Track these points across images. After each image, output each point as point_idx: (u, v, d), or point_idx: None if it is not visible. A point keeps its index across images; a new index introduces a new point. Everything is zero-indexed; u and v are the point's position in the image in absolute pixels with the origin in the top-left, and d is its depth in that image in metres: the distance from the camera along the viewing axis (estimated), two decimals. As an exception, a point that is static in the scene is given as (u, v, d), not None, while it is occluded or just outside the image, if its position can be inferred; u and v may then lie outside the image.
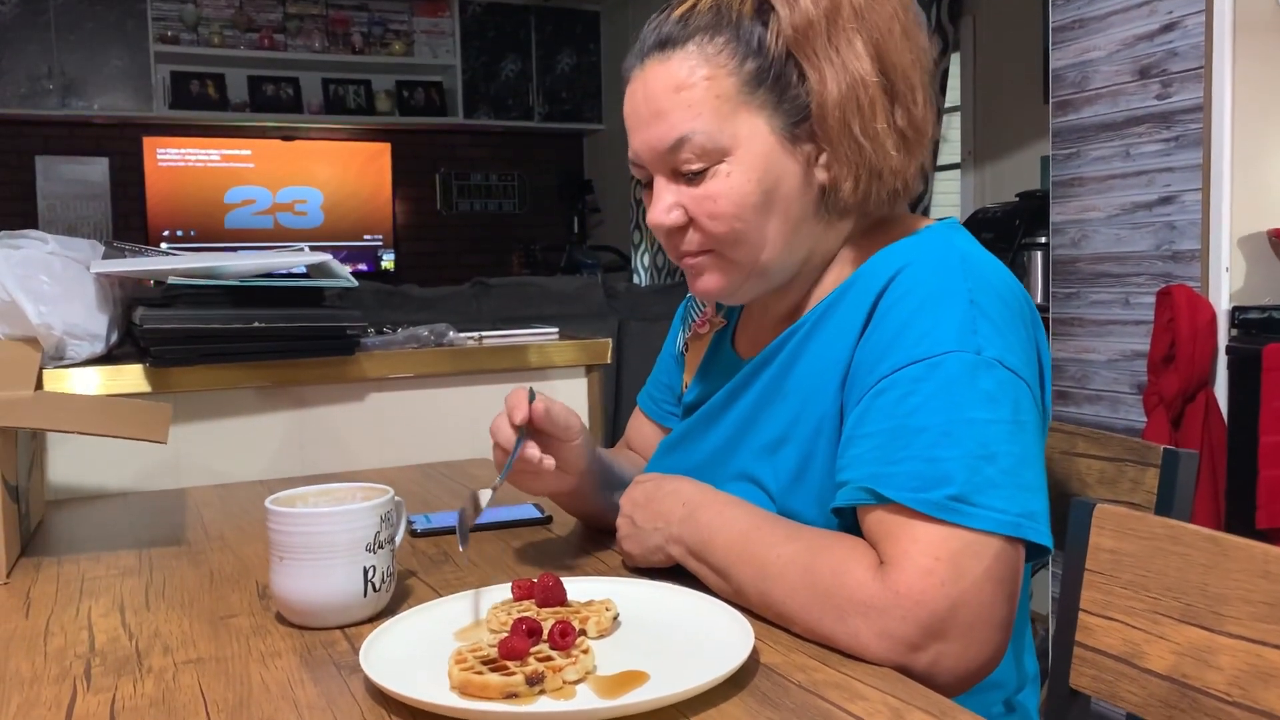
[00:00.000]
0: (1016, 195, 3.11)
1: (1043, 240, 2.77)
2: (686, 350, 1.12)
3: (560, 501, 1.10)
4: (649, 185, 0.92)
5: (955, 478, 0.75)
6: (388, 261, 6.00)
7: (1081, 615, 0.79)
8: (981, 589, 0.74)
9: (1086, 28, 2.29)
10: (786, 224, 0.88)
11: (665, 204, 0.89)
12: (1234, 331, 2.03)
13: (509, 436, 0.95)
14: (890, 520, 0.76)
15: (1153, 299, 2.13)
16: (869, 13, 0.86)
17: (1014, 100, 3.72)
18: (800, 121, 0.86)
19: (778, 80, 0.86)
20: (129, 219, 5.47)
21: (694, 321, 1.11)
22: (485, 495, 0.93)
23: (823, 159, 0.88)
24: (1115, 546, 0.77)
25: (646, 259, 5.81)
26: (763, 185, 0.86)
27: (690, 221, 0.89)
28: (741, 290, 0.93)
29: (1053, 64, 2.38)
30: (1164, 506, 0.95)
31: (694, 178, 0.87)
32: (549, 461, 0.95)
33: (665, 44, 0.87)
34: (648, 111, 0.88)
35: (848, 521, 0.83)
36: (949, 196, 4.10)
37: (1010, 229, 2.90)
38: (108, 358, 1.48)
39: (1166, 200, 2.13)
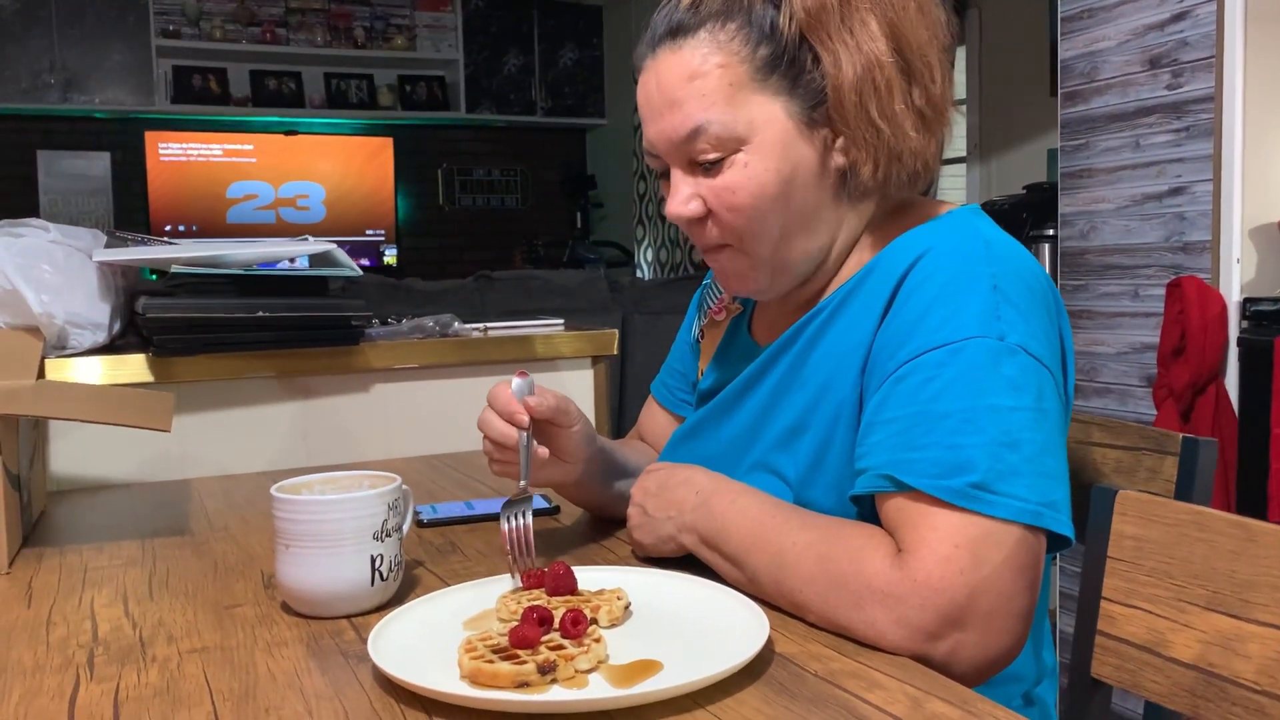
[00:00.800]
0: (1024, 188, 3.09)
1: (1050, 233, 2.76)
2: (703, 337, 1.10)
3: (565, 493, 1.08)
4: (665, 175, 0.90)
5: (977, 465, 0.73)
6: (390, 257, 5.99)
7: (1104, 604, 0.78)
8: (1001, 577, 0.73)
9: (1096, 17, 2.27)
10: (806, 211, 0.87)
11: (683, 195, 0.88)
12: (1245, 323, 2.01)
13: (501, 431, 0.93)
14: (910, 508, 0.75)
15: (1163, 291, 2.11)
16: None
17: (1020, 93, 3.70)
18: (816, 106, 0.85)
19: (792, 64, 0.84)
20: (131, 214, 5.45)
21: (710, 308, 1.10)
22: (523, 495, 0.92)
23: (840, 143, 0.86)
24: (1138, 533, 0.76)
25: (650, 254, 5.79)
26: (781, 174, 0.85)
27: (709, 212, 0.88)
28: (773, 286, 0.91)
29: (1061, 54, 2.36)
30: (1183, 495, 0.93)
31: (711, 167, 0.86)
32: (542, 450, 0.93)
33: (677, 32, 0.86)
34: (661, 101, 0.86)
35: (866, 510, 0.81)
36: (955, 193, 4.08)
37: (1017, 221, 2.88)
38: (110, 347, 1.47)
39: (1177, 191, 2.12)
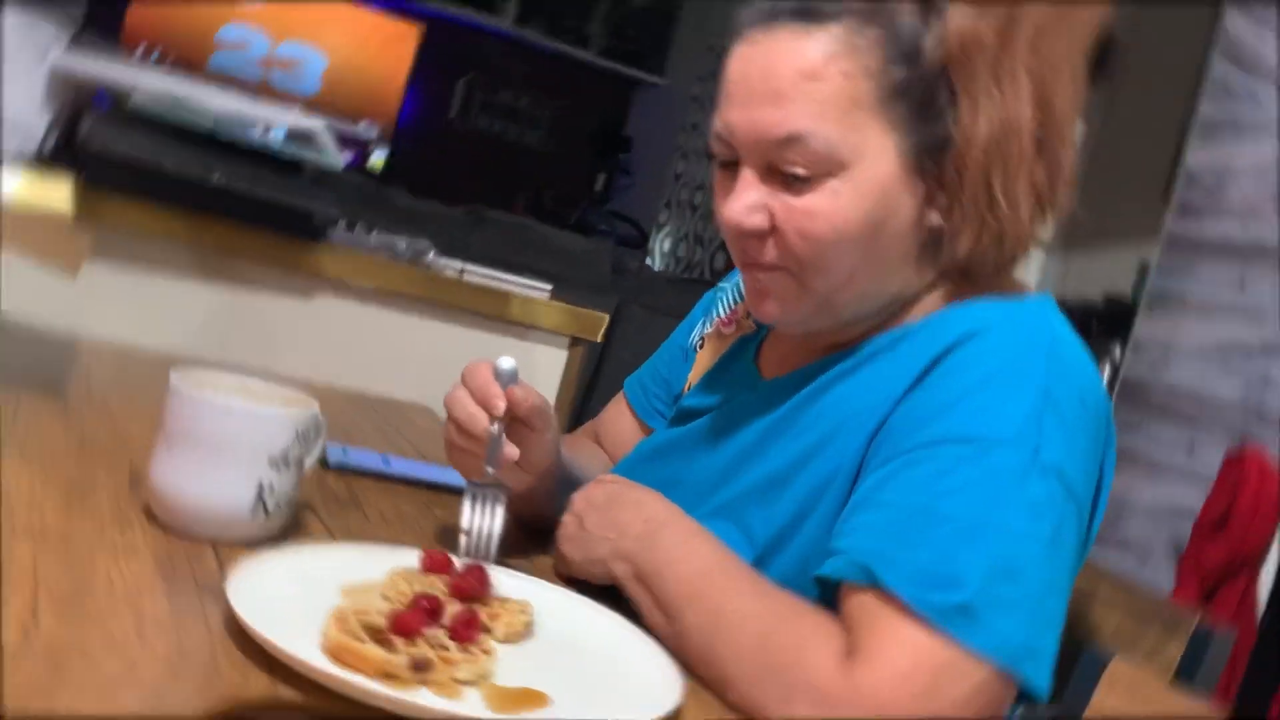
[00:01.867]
0: (1102, 295, 3.10)
1: (1116, 355, 2.77)
2: (701, 347, 1.10)
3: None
4: (726, 167, 0.89)
5: (967, 584, 0.73)
6: (378, 160, 5.96)
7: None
8: (957, 713, 0.72)
9: (1238, 131, 2.28)
10: (881, 263, 0.86)
11: (749, 202, 0.85)
12: (1300, 515, 2.03)
13: (470, 414, 0.91)
14: (878, 609, 0.74)
15: (1221, 453, 2.12)
16: (1045, 44, 0.83)
17: (1127, 189, 3.72)
18: (932, 153, 0.84)
19: (923, 99, 0.83)
20: (109, 5, 5.34)
21: (719, 317, 1.09)
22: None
23: (942, 200, 0.85)
24: (1121, 711, 0.76)
25: (668, 244, 5.79)
26: (871, 216, 0.83)
27: (773, 230, 0.86)
28: (807, 322, 0.90)
29: (1189, 161, 2.37)
30: (1183, 684, 0.93)
31: (794, 182, 0.84)
32: (513, 451, 0.92)
33: (807, 14, 0.83)
34: (763, 89, 0.84)
35: (828, 593, 0.81)
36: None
37: (1083, 331, 2.88)
38: (35, 163, 1.45)
39: (1270, 349, 2.13)
